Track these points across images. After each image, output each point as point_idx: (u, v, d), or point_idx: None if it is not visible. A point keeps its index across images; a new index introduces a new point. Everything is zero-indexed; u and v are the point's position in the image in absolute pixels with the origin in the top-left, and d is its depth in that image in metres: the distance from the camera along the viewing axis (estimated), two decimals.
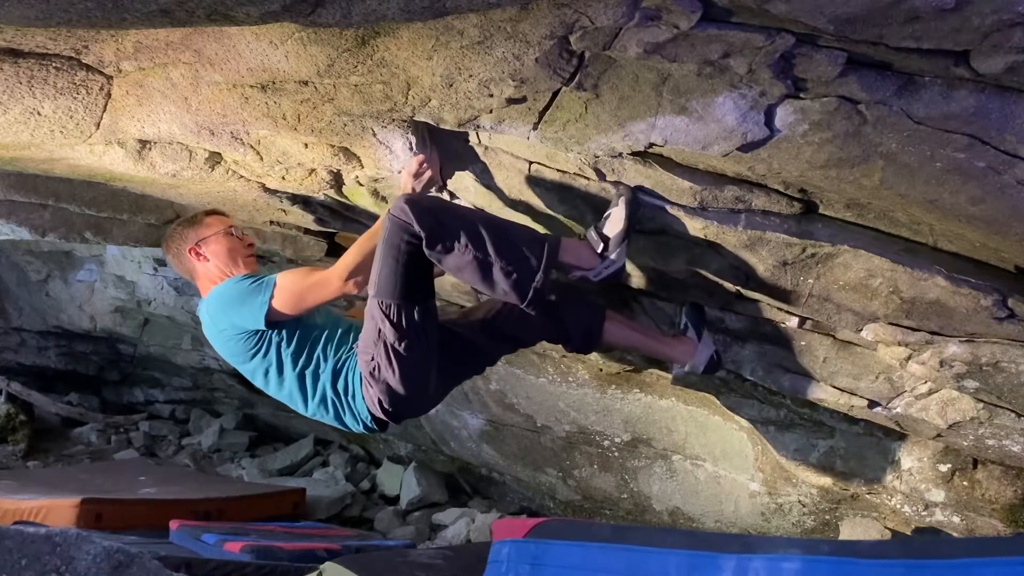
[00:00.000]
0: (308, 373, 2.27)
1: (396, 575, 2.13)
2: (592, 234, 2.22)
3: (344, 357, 2.28)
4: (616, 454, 4.35)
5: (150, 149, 2.47)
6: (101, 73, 2.00)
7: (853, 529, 3.50)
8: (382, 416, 2.24)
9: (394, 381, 2.13)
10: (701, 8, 1.54)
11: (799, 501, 3.70)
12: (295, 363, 2.26)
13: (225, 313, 2.24)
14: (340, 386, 2.26)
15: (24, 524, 3.30)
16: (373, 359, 2.14)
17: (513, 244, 2.09)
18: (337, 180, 2.63)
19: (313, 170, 2.55)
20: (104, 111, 2.16)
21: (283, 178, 2.61)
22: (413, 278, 2.09)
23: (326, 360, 2.27)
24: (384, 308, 2.08)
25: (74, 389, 7.74)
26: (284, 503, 4.95)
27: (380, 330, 2.10)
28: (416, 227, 1.99)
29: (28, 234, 3.55)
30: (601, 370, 3.94)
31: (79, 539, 1.72)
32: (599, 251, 2.21)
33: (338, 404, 2.28)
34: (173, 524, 3.81)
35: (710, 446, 3.90)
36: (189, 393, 7.38)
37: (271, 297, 2.17)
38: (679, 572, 1.59)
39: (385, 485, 5.71)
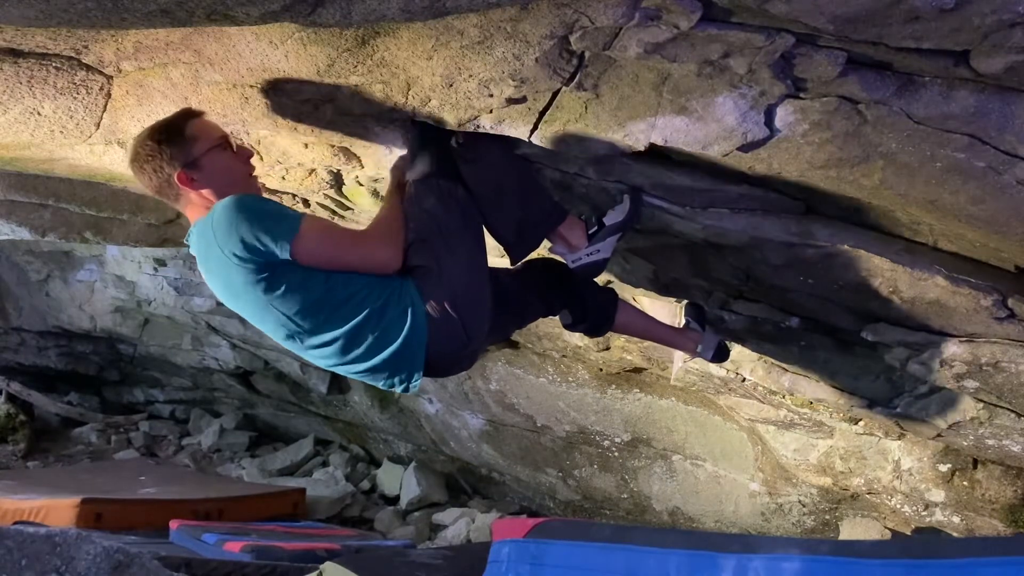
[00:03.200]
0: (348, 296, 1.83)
1: (396, 575, 2.13)
2: (592, 218, 2.23)
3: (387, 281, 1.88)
4: (616, 454, 4.35)
5: None
6: (101, 73, 2.00)
7: (853, 529, 3.51)
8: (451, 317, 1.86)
9: (459, 269, 1.90)
10: (701, 8, 1.54)
11: (799, 501, 3.70)
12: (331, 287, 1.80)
13: (236, 227, 1.70)
14: (396, 307, 1.83)
15: (24, 524, 3.30)
16: (431, 248, 1.88)
17: (532, 189, 2.15)
18: (337, 180, 2.63)
19: (313, 170, 2.55)
20: (104, 111, 2.16)
21: (283, 178, 2.61)
22: (447, 158, 2.05)
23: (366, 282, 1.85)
24: (426, 185, 2.00)
25: (74, 389, 7.75)
26: (284, 503, 4.96)
27: (429, 212, 1.94)
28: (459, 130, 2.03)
29: (28, 234, 3.55)
30: (601, 370, 3.94)
31: (79, 539, 1.72)
32: (590, 232, 2.21)
33: (401, 320, 1.83)
34: (173, 524, 3.81)
35: (710, 446, 3.90)
36: (189, 393, 7.38)
37: (299, 234, 1.74)
38: (679, 572, 1.58)
39: (385, 485, 5.72)
